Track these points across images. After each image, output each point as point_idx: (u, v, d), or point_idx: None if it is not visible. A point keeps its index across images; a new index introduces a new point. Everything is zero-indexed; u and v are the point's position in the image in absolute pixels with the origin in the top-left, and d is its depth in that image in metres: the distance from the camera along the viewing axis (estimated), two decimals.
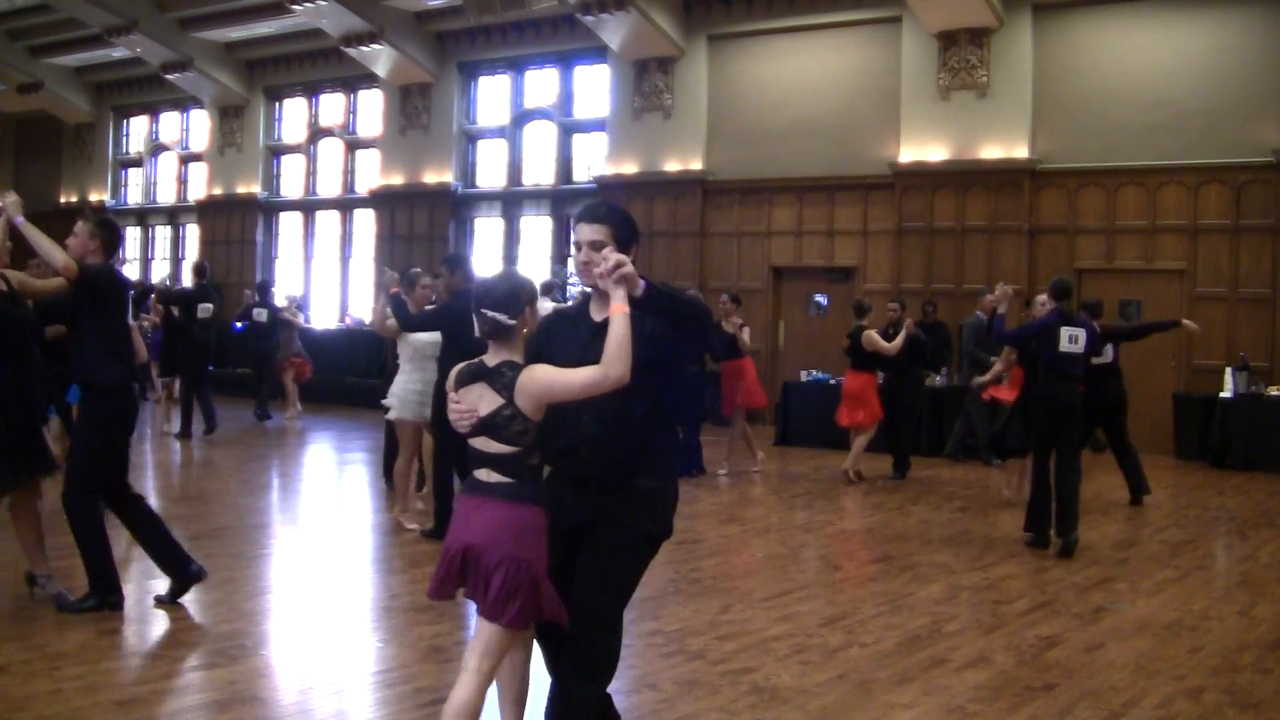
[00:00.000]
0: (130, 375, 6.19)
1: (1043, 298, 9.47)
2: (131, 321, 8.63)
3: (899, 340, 11.44)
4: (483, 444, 3.53)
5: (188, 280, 17.86)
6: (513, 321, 3.51)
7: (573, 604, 3.56)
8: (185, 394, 13.98)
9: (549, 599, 3.48)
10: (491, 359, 3.56)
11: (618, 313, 3.33)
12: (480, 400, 3.52)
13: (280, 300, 16.78)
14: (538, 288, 3.67)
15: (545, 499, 3.57)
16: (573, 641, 3.56)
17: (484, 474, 3.54)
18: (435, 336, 8.09)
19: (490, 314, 3.51)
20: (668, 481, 3.76)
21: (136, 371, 6.33)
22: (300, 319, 16.75)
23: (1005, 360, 10.53)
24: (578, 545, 3.65)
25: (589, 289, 3.76)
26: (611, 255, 3.39)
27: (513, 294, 3.54)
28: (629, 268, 3.34)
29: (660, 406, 3.66)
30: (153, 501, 9.47)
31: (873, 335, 11.33)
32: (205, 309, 14.21)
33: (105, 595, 6.00)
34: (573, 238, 3.63)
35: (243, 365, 18.07)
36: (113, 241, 6.23)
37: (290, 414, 16.08)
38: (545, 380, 3.45)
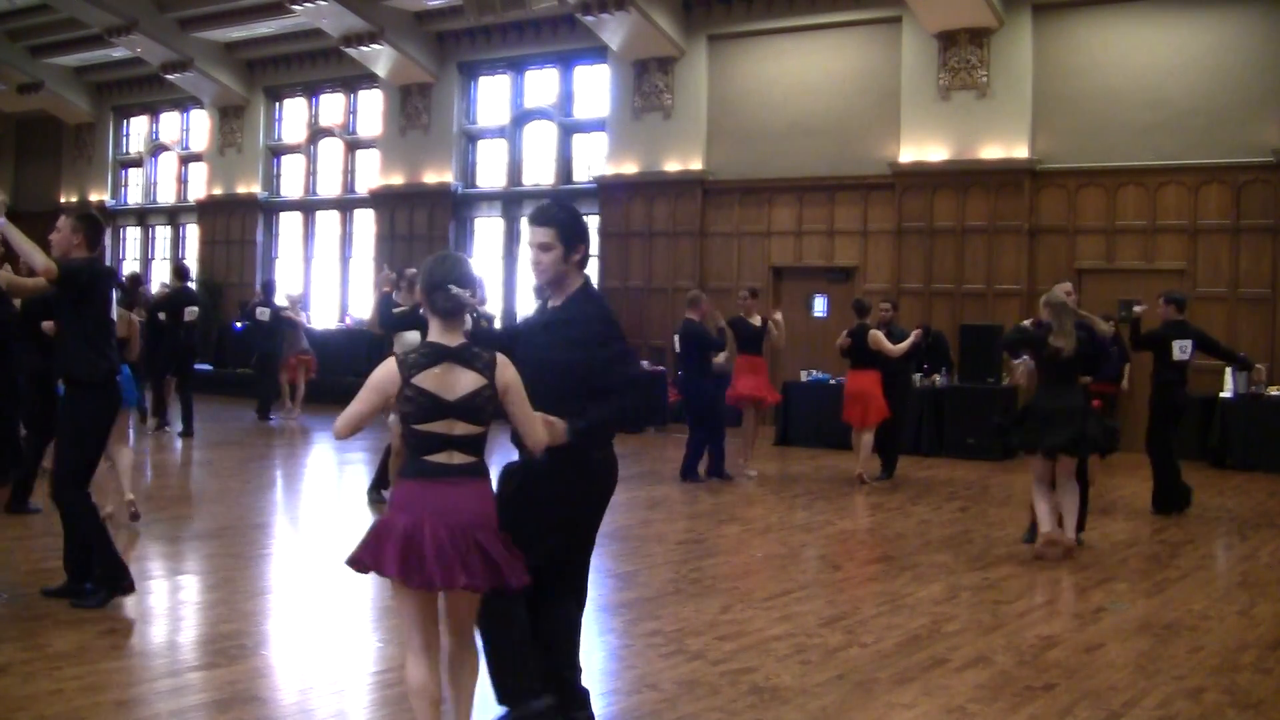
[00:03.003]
0: (111, 369, 6.18)
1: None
2: (129, 314, 8.67)
3: (906, 343, 11.42)
4: (446, 427, 3.60)
5: (166, 277, 17.83)
6: (482, 300, 3.66)
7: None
8: (184, 392, 13.98)
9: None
10: (450, 341, 3.65)
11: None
12: (456, 382, 3.60)
13: (280, 299, 16.76)
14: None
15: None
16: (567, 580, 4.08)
17: (446, 456, 3.61)
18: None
19: (457, 291, 3.61)
20: None
21: (117, 365, 6.31)
22: (303, 317, 16.73)
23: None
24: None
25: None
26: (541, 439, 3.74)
27: (474, 274, 3.69)
28: (542, 442, 3.74)
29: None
30: (153, 502, 9.48)
31: (879, 335, 11.30)
32: (191, 312, 14.21)
33: (115, 583, 6.02)
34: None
35: (244, 365, 18.06)
36: (95, 236, 6.25)
37: (289, 413, 16.01)
38: (516, 386, 3.68)
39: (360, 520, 9.08)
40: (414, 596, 3.62)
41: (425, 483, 3.60)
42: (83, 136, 25.91)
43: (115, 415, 6.33)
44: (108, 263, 13.21)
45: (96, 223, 6.32)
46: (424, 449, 3.61)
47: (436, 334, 3.66)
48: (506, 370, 3.66)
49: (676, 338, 11.72)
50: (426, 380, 3.59)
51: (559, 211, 3.93)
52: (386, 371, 3.62)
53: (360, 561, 3.62)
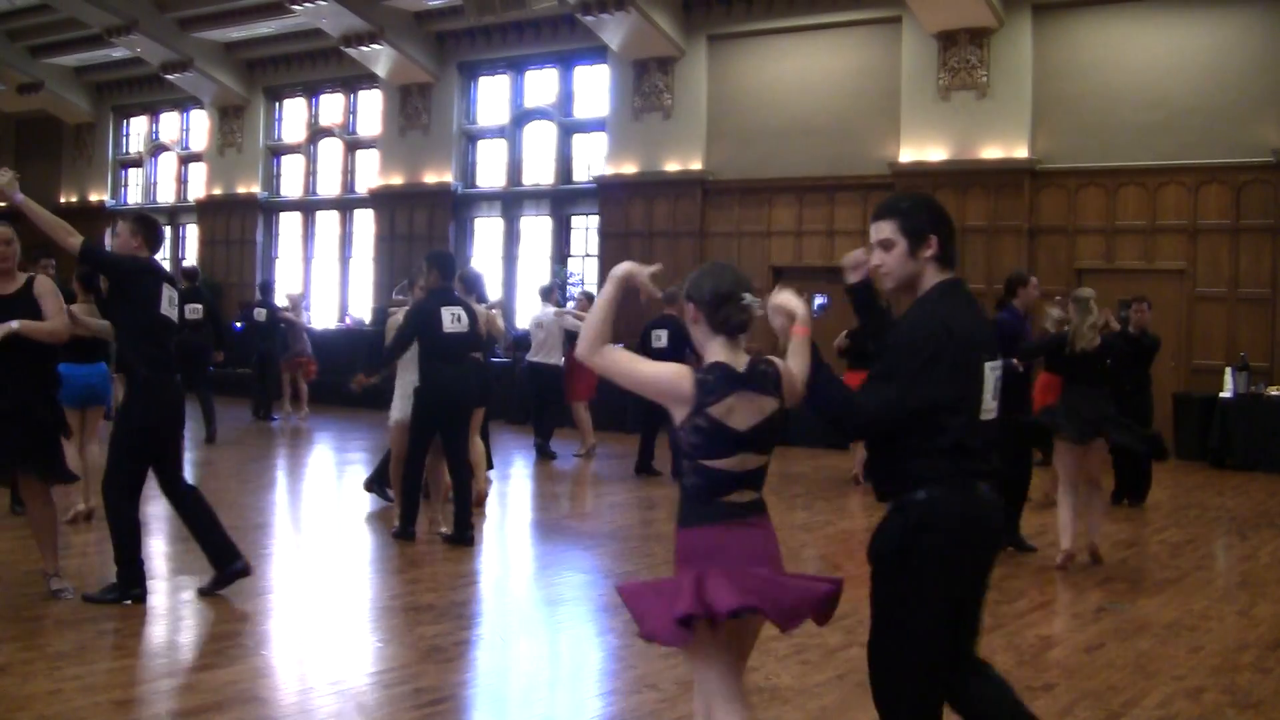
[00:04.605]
0: (168, 364, 6.22)
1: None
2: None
3: None
4: (739, 463, 3.12)
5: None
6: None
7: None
8: (201, 392, 13.88)
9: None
10: (736, 360, 3.15)
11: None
12: (748, 409, 3.12)
13: (280, 299, 16.76)
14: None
15: None
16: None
17: (739, 495, 3.16)
18: None
19: (750, 300, 3.18)
20: None
21: (168, 364, 6.28)
22: (304, 317, 16.77)
23: None
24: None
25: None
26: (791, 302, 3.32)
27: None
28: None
29: None
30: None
31: None
32: (194, 309, 14.10)
33: (127, 588, 6.06)
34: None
35: (243, 365, 18.07)
36: (154, 237, 6.40)
37: (302, 414, 16.12)
38: (795, 387, 3.21)
39: (360, 520, 9.07)
40: (721, 637, 3.19)
41: (725, 528, 3.12)
42: (83, 136, 25.92)
43: (179, 411, 6.36)
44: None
45: (154, 225, 6.45)
46: (717, 488, 3.12)
47: (720, 353, 3.15)
48: (789, 375, 3.21)
49: (666, 334, 11.54)
50: (719, 409, 3.07)
51: (899, 200, 3.36)
52: (680, 379, 3.09)
53: (670, 627, 3.13)
